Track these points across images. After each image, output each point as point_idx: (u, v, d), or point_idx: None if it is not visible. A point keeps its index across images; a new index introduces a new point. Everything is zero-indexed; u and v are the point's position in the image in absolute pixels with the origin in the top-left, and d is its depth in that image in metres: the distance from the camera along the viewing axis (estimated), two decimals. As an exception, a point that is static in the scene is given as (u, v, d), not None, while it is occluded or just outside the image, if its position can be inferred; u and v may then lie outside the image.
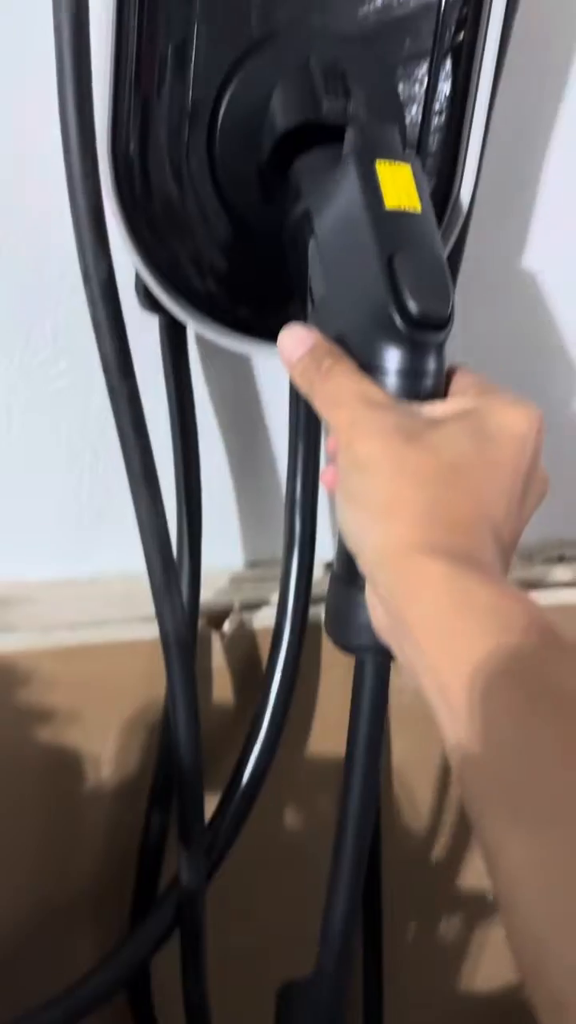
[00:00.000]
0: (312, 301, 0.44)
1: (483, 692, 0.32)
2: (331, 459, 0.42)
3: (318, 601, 0.65)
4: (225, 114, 0.46)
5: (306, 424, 0.59)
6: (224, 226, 0.49)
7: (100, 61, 0.43)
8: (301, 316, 0.45)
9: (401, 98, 0.49)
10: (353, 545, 0.40)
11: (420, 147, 0.51)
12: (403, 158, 0.43)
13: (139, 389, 0.50)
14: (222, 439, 0.68)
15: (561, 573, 0.81)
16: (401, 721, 0.74)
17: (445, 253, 0.54)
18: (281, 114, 0.45)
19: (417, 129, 0.51)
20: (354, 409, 0.39)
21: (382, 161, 0.42)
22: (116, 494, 0.65)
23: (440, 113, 0.51)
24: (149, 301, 0.52)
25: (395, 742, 0.77)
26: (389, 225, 0.40)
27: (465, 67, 0.51)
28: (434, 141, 0.52)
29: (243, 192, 0.48)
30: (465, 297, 0.58)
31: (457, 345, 0.60)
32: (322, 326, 0.43)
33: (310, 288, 0.44)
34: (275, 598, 0.66)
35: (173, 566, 0.54)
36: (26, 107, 0.51)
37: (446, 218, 0.54)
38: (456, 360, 0.44)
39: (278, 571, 0.64)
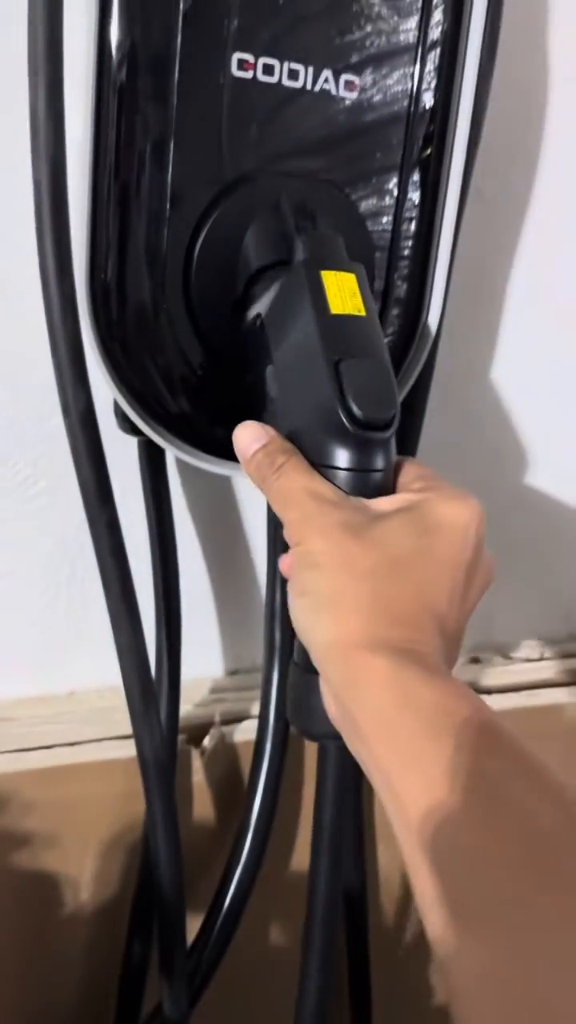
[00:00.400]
0: (267, 400, 0.46)
1: (423, 793, 0.33)
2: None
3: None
4: (200, 250, 0.47)
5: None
6: (200, 354, 0.50)
7: (77, 199, 0.45)
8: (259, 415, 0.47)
9: (371, 213, 0.51)
10: (303, 639, 0.40)
11: (390, 266, 0.53)
12: (348, 267, 0.45)
13: (118, 489, 0.50)
14: (201, 548, 0.68)
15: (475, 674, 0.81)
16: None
17: (415, 373, 0.56)
18: (254, 254, 0.47)
19: (386, 253, 0.53)
20: (304, 506, 0.40)
21: (328, 271, 0.44)
22: (93, 608, 0.65)
23: (408, 239, 0.53)
24: (127, 425, 0.53)
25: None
26: (335, 330, 0.42)
27: (432, 187, 0.53)
28: (401, 270, 0.53)
29: (218, 321, 0.49)
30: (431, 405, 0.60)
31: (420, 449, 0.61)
32: (276, 423, 0.45)
33: (265, 388, 0.46)
34: (256, 709, 0.66)
35: (152, 690, 0.54)
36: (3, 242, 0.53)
37: (415, 343, 0.56)
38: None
39: (259, 679, 0.64)
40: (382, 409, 0.41)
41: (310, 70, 0.47)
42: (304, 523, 0.40)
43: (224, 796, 0.67)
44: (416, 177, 0.52)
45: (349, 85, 0.48)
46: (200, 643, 0.71)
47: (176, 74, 0.44)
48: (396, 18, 0.48)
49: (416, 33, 0.48)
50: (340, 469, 0.42)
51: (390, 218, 0.52)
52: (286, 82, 0.46)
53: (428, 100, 0.50)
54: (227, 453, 0.52)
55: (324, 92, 0.47)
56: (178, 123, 0.45)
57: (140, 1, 0.43)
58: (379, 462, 0.42)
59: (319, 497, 0.40)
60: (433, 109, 0.50)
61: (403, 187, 0.51)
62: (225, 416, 0.52)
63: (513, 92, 0.64)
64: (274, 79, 0.46)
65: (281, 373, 0.45)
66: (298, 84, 0.47)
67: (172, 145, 0.45)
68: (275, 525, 0.60)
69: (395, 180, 0.51)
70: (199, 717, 0.67)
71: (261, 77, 0.46)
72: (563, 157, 0.68)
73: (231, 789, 0.67)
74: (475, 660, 0.82)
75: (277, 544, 0.60)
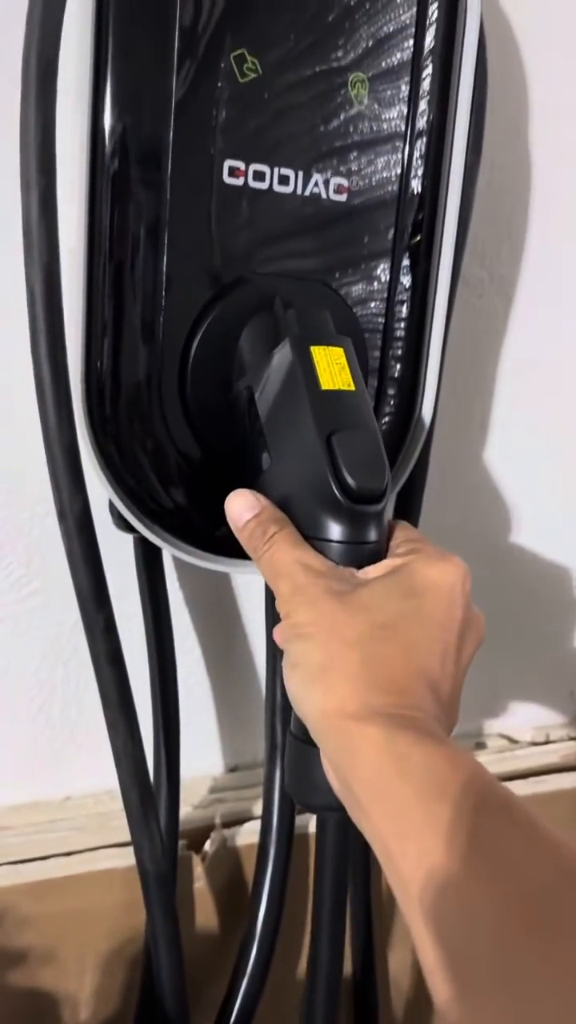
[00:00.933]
0: (258, 471, 0.46)
1: (420, 860, 0.32)
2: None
3: (303, 811, 0.62)
4: (195, 353, 0.47)
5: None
6: (196, 452, 0.49)
7: (71, 306, 0.45)
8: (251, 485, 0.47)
9: (366, 313, 0.52)
10: (297, 710, 0.40)
11: (383, 360, 0.54)
12: (336, 342, 0.45)
13: (114, 585, 0.49)
14: (199, 641, 0.67)
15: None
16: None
17: (411, 461, 0.56)
18: (249, 356, 0.47)
19: (379, 346, 0.53)
20: (294, 578, 0.40)
21: (317, 347, 0.44)
22: (88, 711, 0.63)
23: (401, 330, 0.53)
24: (123, 523, 0.52)
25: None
26: (326, 405, 0.43)
27: (423, 277, 0.53)
28: (394, 364, 0.54)
29: (214, 421, 0.49)
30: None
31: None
32: (268, 492, 0.45)
33: (257, 459, 0.46)
34: (259, 809, 0.64)
35: (151, 799, 0.52)
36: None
37: (410, 434, 0.56)
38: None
39: (260, 775, 0.62)
40: (374, 480, 0.42)
41: (300, 175, 0.47)
42: (293, 595, 0.40)
43: (227, 902, 0.64)
44: (406, 264, 0.52)
45: (339, 188, 0.49)
46: (199, 739, 0.69)
47: (168, 192, 0.44)
48: (382, 113, 0.49)
49: (403, 127, 0.50)
50: (333, 542, 0.42)
51: (383, 309, 0.52)
52: (277, 188, 0.47)
53: (416, 190, 0.51)
54: (224, 550, 0.52)
55: (314, 196, 0.48)
56: (171, 231, 0.45)
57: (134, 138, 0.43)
58: (372, 534, 0.42)
59: (309, 569, 0.40)
60: (421, 200, 0.51)
61: (394, 278, 0.52)
62: (223, 514, 0.51)
63: (497, 180, 0.66)
64: (265, 185, 0.47)
65: (273, 445, 0.45)
66: (288, 189, 0.47)
67: (166, 254, 0.46)
68: (273, 619, 0.59)
69: (386, 273, 0.51)
70: (199, 820, 0.65)
71: (252, 183, 0.46)
72: (548, 237, 0.69)
73: (234, 894, 0.64)
74: (480, 745, 0.80)
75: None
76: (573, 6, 0.65)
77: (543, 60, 0.65)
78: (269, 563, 0.42)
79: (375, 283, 0.51)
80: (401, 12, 0.48)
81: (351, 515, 0.41)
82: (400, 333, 0.53)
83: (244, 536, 0.44)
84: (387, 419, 0.54)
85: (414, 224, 0.51)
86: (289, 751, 0.45)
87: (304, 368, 0.43)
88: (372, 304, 0.52)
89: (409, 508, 0.59)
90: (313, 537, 0.42)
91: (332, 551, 0.42)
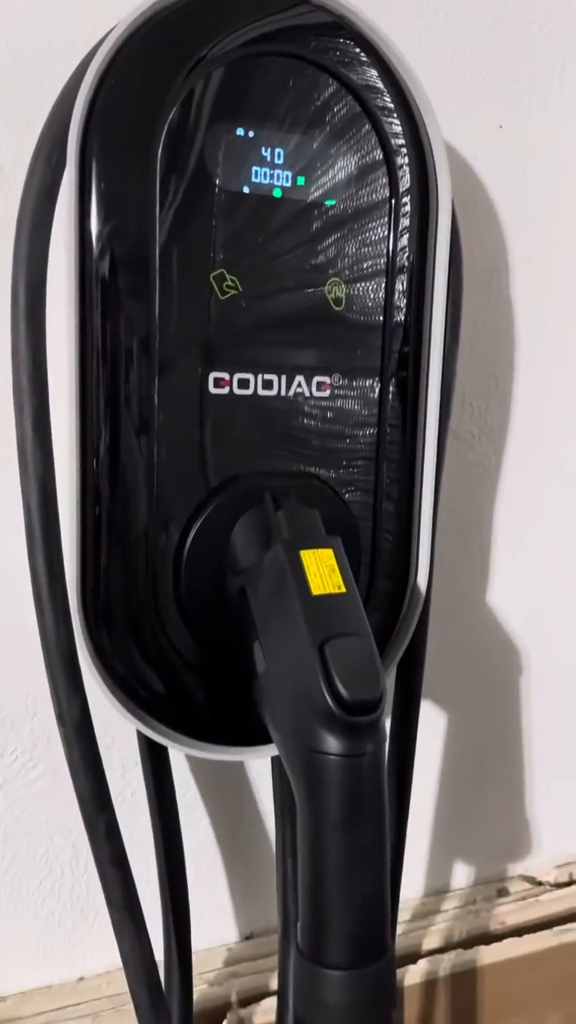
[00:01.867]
0: (255, 674, 0.46)
1: None
2: None
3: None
4: (190, 552, 0.48)
5: (291, 806, 0.58)
6: (193, 648, 0.50)
7: (65, 512, 0.46)
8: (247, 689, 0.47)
9: (355, 500, 0.53)
10: None
11: (375, 533, 0.54)
12: (325, 543, 0.46)
13: (118, 764, 0.49)
14: (208, 811, 0.66)
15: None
16: None
17: (410, 629, 0.56)
18: (242, 554, 0.48)
19: (370, 528, 0.54)
20: None
21: (306, 550, 0.45)
22: (98, 889, 0.62)
23: (391, 508, 0.54)
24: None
25: None
26: (318, 612, 0.43)
27: (408, 466, 0.54)
28: (386, 537, 0.54)
29: (211, 617, 0.49)
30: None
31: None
32: (264, 697, 0.45)
33: (252, 662, 0.47)
34: (275, 982, 0.62)
35: (162, 999, 0.51)
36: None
37: (405, 602, 0.56)
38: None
39: (275, 941, 0.61)
40: (368, 689, 0.42)
41: (283, 378, 0.49)
42: None
43: None
44: (392, 452, 0.53)
45: (321, 386, 0.50)
46: (211, 908, 0.68)
47: (156, 407, 0.46)
48: (360, 312, 0.51)
49: (381, 320, 0.51)
50: (331, 755, 0.42)
51: (371, 491, 0.53)
52: (261, 392, 0.49)
53: (397, 383, 0.52)
54: (227, 739, 0.52)
55: (297, 395, 0.50)
56: (160, 443, 0.47)
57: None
58: (368, 745, 0.42)
59: None
60: (403, 392, 0.53)
61: (380, 464, 0.53)
62: (223, 702, 0.52)
63: (480, 334, 0.68)
64: (249, 391, 0.48)
65: (267, 648, 0.45)
66: (272, 392, 0.49)
67: (155, 463, 0.47)
68: (282, 795, 0.59)
69: (372, 461, 0.53)
70: (214, 999, 0.63)
71: (237, 391, 0.48)
72: (535, 383, 0.71)
73: (253, 1080, 0.62)
74: (502, 892, 0.78)
75: (285, 815, 0.59)
76: (548, 164, 0.68)
77: (518, 215, 0.67)
78: None
79: (362, 471, 0.52)
80: (376, 220, 0.50)
81: (346, 727, 0.41)
82: (391, 510, 0.54)
83: None
84: (381, 592, 0.55)
85: (398, 415, 0.53)
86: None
87: (294, 574, 0.44)
88: (361, 486, 0.53)
89: (411, 678, 0.59)
90: (312, 749, 0.42)
91: (330, 764, 0.41)
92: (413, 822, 0.62)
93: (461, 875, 0.78)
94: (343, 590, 0.45)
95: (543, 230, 0.69)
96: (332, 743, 0.41)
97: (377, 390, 0.52)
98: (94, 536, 0.47)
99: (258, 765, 0.66)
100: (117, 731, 0.53)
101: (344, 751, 0.41)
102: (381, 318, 0.51)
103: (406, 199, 0.50)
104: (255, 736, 0.51)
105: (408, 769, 0.61)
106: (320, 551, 0.45)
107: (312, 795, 0.42)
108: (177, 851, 0.58)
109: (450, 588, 0.70)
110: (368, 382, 0.51)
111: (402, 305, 0.51)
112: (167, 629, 0.49)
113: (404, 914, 0.75)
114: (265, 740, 0.50)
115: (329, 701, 0.41)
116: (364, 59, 0.49)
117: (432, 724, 0.73)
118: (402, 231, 0.50)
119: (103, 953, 0.63)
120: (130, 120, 0.44)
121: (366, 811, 0.42)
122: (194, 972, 0.60)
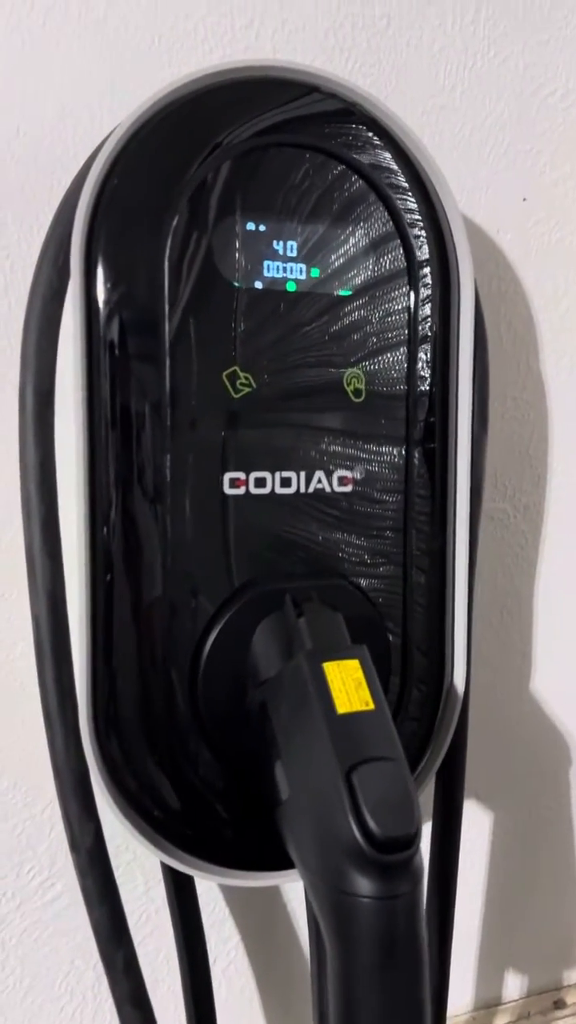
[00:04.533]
0: (278, 800, 0.43)
1: None
2: None
3: None
4: (207, 662, 0.46)
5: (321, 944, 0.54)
6: (216, 772, 0.46)
7: (76, 628, 0.44)
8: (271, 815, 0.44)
9: (383, 602, 0.50)
10: None
11: (405, 634, 0.51)
12: (350, 654, 0.43)
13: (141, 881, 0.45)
14: (240, 936, 0.62)
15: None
16: None
17: (448, 734, 0.52)
18: (263, 664, 0.45)
19: (400, 636, 0.51)
20: None
21: (330, 662, 0.41)
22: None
23: (422, 602, 0.51)
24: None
25: None
26: (345, 733, 0.40)
27: (440, 571, 0.51)
28: (418, 642, 0.51)
29: (231, 735, 0.46)
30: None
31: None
32: (288, 828, 0.42)
33: (275, 785, 0.43)
34: None
35: None
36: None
37: (441, 706, 0.52)
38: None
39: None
40: (401, 824, 0.38)
41: (302, 475, 0.47)
42: None
43: None
44: (420, 545, 0.50)
45: (343, 480, 0.48)
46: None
47: (169, 510, 0.44)
48: (381, 403, 0.48)
49: (403, 412, 0.49)
50: (362, 897, 0.38)
51: (400, 587, 0.50)
52: (279, 490, 0.46)
53: (423, 473, 0.50)
54: (255, 863, 0.48)
55: (318, 491, 0.47)
56: (174, 546, 0.44)
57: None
58: (404, 886, 0.38)
59: None
60: (431, 482, 0.50)
61: (408, 559, 0.50)
62: (249, 823, 0.48)
63: (511, 412, 0.65)
64: (267, 490, 0.46)
65: (290, 772, 0.42)
66: (291, 490, 0.46)
67: (169, 568, 0.45)
68: (315, 928, 0.55)
69: (399, 556, 0.50)
70: None
71: (254, 491, 0.46)
72: (569, 470, 0.68)
73: None
74: (559, 1004, 0.73)
75: (321, 949, 0.54)
76: (574, 234, 0.66)
77: (544, 288, 0.65)
78: None
79: (389, 566, 0.49)
80: (396, 306, 0.48)
81: (378, 867, 0.37)
82: (422, 606, 0.51)
83: None
84: (414, 699, 0.51)
85: (427, 500, 0.50)
86: None
87: (318, 690, 0.41)
88: (388, 582, 0.50)
89: (452, 787, 0.55)
90: (341, 890, 0.38)
91: (361, 907, 0.38)
92: (459, 930, 0.57)
93: (513, 986, 0.73)
94: (371, 706, 0.41)
95: (571, 300, 0.67)
96: (363, 885, 0.38)
97: (403, 471, 0.49)
98: (105, 648, 0.45)
99: (293, 900, 0.62)
100: (139, 846, 0.49)
101: (376, 893, 0.38)
102: (403, 409, 0.49)
103: (425, 269, 0.48)
104: (287, 858, 0.48)
105: (451, 881, 0.56)
106: (345, 663, 0.42)
107: (342, 939, 0.39)
108: (203, 975, 0.54)
109: (489, 680, 0.66)
110: (394, 476, 0.49)
111: (426, 375, 0.49)
112: (185, 745, 0.46)
113: (453, 1030, 0.69)
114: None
115: (359, 838, 0.37)
116: (377, 142, 0.48)
117: (475, 825, 0.69)
118: (424, 300, 0.48)
119: None
120: (136, 220, 0.43)
121: (401, 958, 0.38)
122: None
